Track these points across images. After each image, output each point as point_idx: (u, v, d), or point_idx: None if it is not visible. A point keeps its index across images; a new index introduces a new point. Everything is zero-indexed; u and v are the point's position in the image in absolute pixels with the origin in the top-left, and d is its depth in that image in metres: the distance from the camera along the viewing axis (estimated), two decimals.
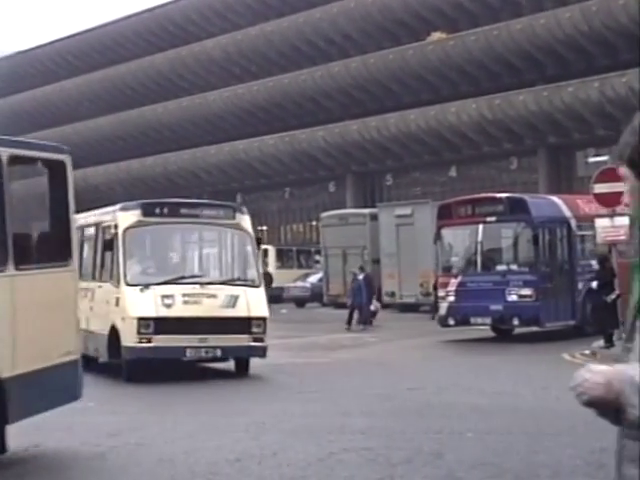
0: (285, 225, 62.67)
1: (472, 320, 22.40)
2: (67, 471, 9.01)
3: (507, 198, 23.03)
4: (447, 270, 23.67)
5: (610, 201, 19.90)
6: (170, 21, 67.83)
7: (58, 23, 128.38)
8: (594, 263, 21.84)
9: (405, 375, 16.47)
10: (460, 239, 24.05)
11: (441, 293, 23.30)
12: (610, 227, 20.10)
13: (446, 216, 23.61)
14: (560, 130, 46.59)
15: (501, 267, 22.72)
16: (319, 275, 40.19)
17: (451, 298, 22.73)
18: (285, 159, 57.18)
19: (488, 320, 22.48)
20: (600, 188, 20.17)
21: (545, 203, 23.62)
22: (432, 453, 9.31)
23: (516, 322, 21.89)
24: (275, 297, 35.92)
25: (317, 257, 43.81)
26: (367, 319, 28.34)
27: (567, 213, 23.05)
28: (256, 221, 67.70)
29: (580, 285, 22.56)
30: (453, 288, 22.74)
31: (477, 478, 8.27)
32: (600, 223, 20.30)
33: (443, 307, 22.98)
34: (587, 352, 18.90)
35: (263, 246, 51.66)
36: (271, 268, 48.84)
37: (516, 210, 22.33)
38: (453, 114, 49.02)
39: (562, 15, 46.04)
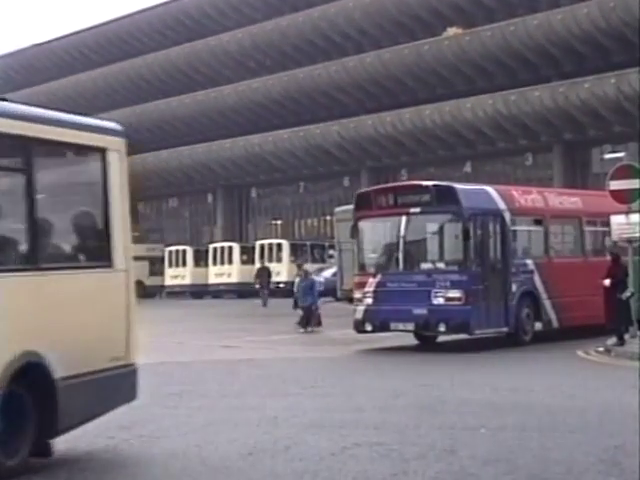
0: (299, 220, 62.67)
1: (392, 326, 20.05)
2: (79, 463, 9.01)
3: (434, 186, 20.42)
4: (365, 268, 20.96)
5: (626, 198, 19.81)
6: (186, 15, 67.87)
7: (74, 16, 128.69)
8: (530, 262, 20.87)
9: (418, 371, 16.43)
10: (380, 233, 21.30)
11: (357, 294, 20.72)
12: (625, 224, 20.00)
13: (365, 206, 21.00)
14: (576, 126, 46.43)
15: (426, 265, 20.07)
16: (333, 270, 40.16)
17: (369, 300, 20.23)
18: (299, 153, 57.16)
19: (411, 326, 19.97)
20: (616, 185, 20.07)
21: (477, 193, 21.00)
22: (445, 449, 9.28)
23: (442, 328, 19.48)
24: (288, 291, 35.95)
25: (331, 252, 43.76)
26: (318, 320, 26.55)
27: (501, 205, 20.58)
28: (270, 215, 67.84)
29: (514, 287, 20.26)
30: (371, 289, 20.20)
31: (490, 474, 8.24)
32: (615, 220, 20.21)
33: (359, 310, 20.49)
34: (601, 349, 18.83)
35: (276, 240, 52.06)
36: (284, 262, 48.94)
37: (444, 200, 19.76)
38: (468, 109, 48.91)
39: (579, 11, 45.87)
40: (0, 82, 78.66)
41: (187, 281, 53.39)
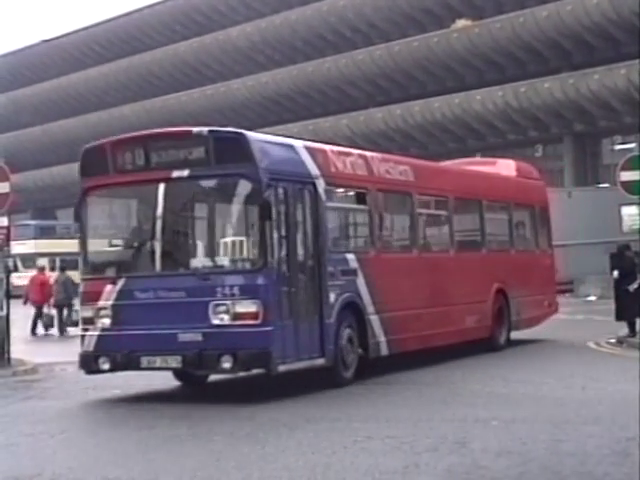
0: None
1: (145, 361, 12.70)
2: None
3: (211, 133, 13.00)
4: (98, 270, 13.49)
5: (637, 189, 19.73)
6: (195, 9, 67.85)
7: (83, 12, 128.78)
8: (352, 258, 14.22)
9: (428, 363, 16.42)
10: (123, 212, 14.63)
11: (87, 312, 13.22)
12: (637, 215, 19.95)
13: (97, 170, 13.42)
14: (586, 117, 46.32)
15: (200, 262, 12.96)
16: None
17: (105, 321, 12.95)
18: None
19: (176, 360, 12.58)
20: (626, 176, 20.01)
21: (280, 148, 13.46)
22: (457, 441, 9.28)
23: (228, 364, 12.28)
24: None
25: None
26: (73, 322, 24.05)
27: (313, 169, 13.65)
28: None
29: (332, 296, 13.38)
30: (109, 302, 12.94)
31: (502, 467, 8.23)
32: (626, 211, 20.20)
33: (90, 338, 13.09)
34: (613, 340, 18.78)
35: None
36: None
37: (228, 156, 12.66)
38: (478, 102, 48.81)
39: (589, 1, 45.70)
40: (10, 78, 78.81)
41: None
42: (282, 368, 12.55)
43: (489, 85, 48.92)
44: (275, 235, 12.64)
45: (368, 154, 15.53)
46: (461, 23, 51.66)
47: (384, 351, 14.82)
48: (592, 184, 45.54)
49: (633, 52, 43.21)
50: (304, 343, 12.88)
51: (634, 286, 18.98)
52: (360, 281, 14.28)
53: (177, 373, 13.91)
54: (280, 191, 12.87)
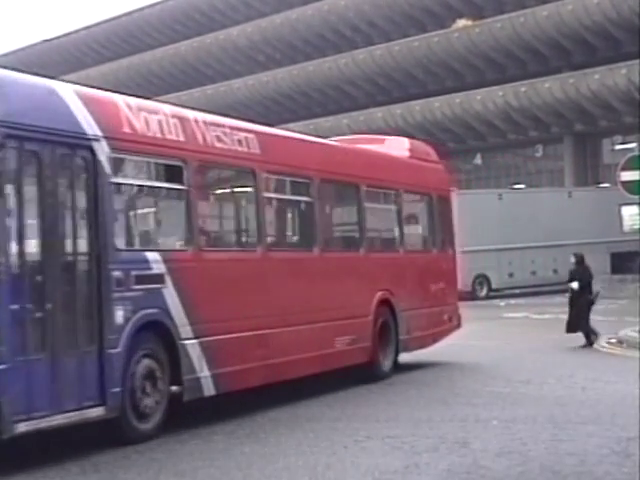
0: None
1: None
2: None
3: None
4: None
5: (637, 189, 19.76)
6: (195, 9, 67.87)
7: (84, 11, 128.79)
8: (157, 260, 10.06)
9: (430, 363, 16.42)
10: None
11: None
12: (637, 215, 19.98)
13: None
14: (586, 117, 46.32)
15: None
16: None
17: None
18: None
19: None
20: (627, 176, 20.03)
21: (26, 92, 9.08)
22: (457, 441, 9.28)
23: None
24: None
25: None
26: None
27: (90, 127, 9.53)
28: None
29: (120, 315, 9.51)
30: None
31: (502, 466, 8.23)
32: (627, 211, 20.19)
33: None
34: (614, 340, 18.78)
35: None
36: None
37: None
38: (478, 102, 48.82)
39: (589, 1, 45.71)
40: None
41: None
42: (23, 428, 8.34)
43: (489, 85, 48.93)
44: (11, 223, 8.51)
45: (189, 113, 11.28)
46: (462, 23, 51.69)
47: (209, 390, 10.67)
48: (592, 184, 45.54)
49: (633, 52, 43.19)
50: (68, 387, 8.82)
51: (595, 295, 18.78)
52: (169, 292, 10.08)
53: None
54: (25, 155, 8.74)
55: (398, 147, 16.45)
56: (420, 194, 16.52)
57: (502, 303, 32.17)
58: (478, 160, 52.13)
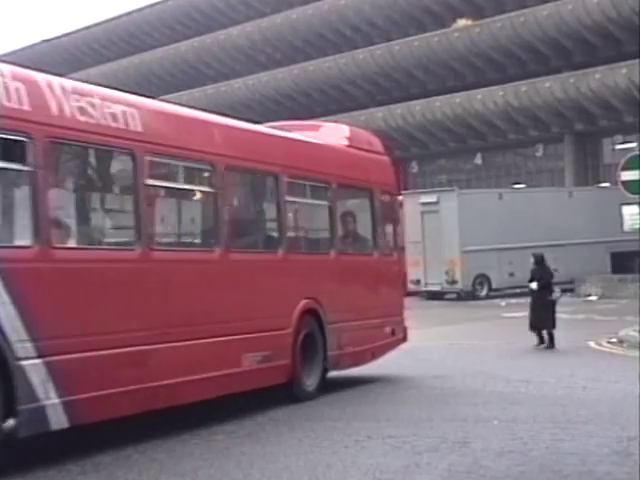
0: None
1: None
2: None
3: None
4: None
5: (637, 188, 19.75)
6: (195, 9, 67.87)
7: (84, 11, 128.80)
8: None
9: (431, 362, 16.43)
10: None
11: None
12: (637, 214, 19.97)
13: None
14: (587, 117, 46.31)
15: None
16: None
17: None
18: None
19: None
20: (627, 175, 20.03)
21: None
22: (458, 441, 9.28)
23: None
24: None
25: None
26: None
27: None
28: None
29: None
30: None
31: (503, 466, 8.23)
32: (628, 210, 20.19)
33: None
34: (614, 340, 18.77)
35: None
36: None
37: None
38: (479, 101, 48.82)
39: (590, 1, 45.69)
40: None
41: None
42: None
43: (490, 84, 48.91)
44: None
45: (39, 77, 8.94)
46: (462, 23, 51.69)
47: (58, 421, 8.55)
48: (592, 184, 45.55)
49: (634, 51, 43.19)
50: None
51: (556, 295, 18.72)
52: (1, 299, 8.01)
53: None
54: None
55: (335, 135, 14.39)
56: (358, 188, 14.43)
57: (503, 303, 32.17)
58: (478, 160, 52.13)
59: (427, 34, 52.51)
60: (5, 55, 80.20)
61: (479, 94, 48.90)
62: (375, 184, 14.59)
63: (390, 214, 15.26)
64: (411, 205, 35.10)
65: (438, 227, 33.94)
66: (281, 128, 13.70)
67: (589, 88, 44.73)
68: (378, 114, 53.35)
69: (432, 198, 35.26)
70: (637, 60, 41.81)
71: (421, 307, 31.35)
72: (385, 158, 15.37)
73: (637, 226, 20.08)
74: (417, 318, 26.81)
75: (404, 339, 15.08)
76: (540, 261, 19.00)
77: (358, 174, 14.21)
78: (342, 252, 13.46)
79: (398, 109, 52.48)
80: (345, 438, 9.59)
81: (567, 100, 45.68)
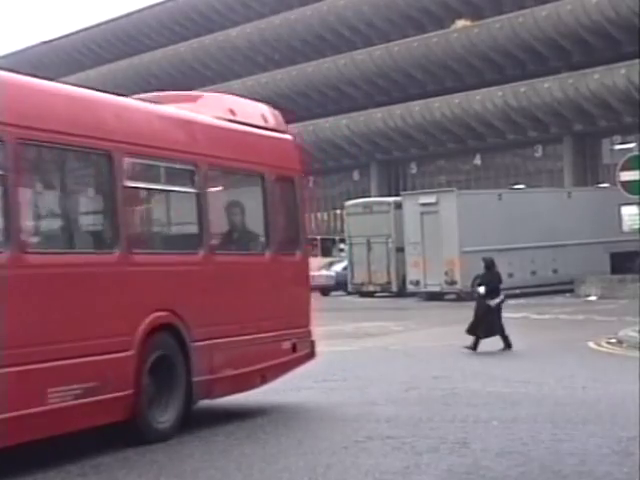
0: (309, 213, 62.68)
1: None
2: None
3: None
4: None
5: (637, 189, 19.75)
6: (194, 10, 67.89)
7: (82, 13, 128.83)
8: None
9: (430, 363, 16.43)
10: None
11: None
12: (637, 215, 19.98)
13: None
14: (586, 117, 46.33)
15: None
16: (344, 264, 40.24)
17: None
18: (309, 148, 57.13)
19: None
20: (626, 176, 20.03)
21: None
22: (458, 442, 9.28)
23: None
24: None
25: (341, 246, 43.85)
26: None
27: None
28: None
29: None
30: None
31: (503, 467, 8.23)
32: (627, 211, 20.19)
33: None
34: (613, 340, 18.77)
35: None
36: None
37: None
38: (478, 102, 48.84)
39: (588, 1, 45.73)
40: None
41: None
42: None
43: (489, 85, 48.94)
44: None
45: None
46: (461, 24, 51.73)
47: None
48: (592, 184, 45.56)
49: (633, 52, 43.23)
50: None
51: (496, 301, 18.61)
52: None
53: None
54: None
55: (215, 107, 11.46)
56: (243, 172, 11.55)
57: None
58: (477, 160, 52.15)
59: (426, 35, 52.54)
60: (4, 57, 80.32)
61: (478, 95, 48.92)
62: (268, 167, 11.63)
63: (291, 204, 12.37)
64: (410, 206, 35.12)
65: (437, 228, 33.94)
66: (153, 99, 11.19)
67: (588, 88, 44.75)
68: (377, 115, 53.39)
69: (431, 199, 35.26)
70: (636, 60, 41.84)
71: (420, 308, 31.38)
72: (286, 136, 12.38)
73: (636, 226, 20.06)
74: (417, 319, 26.88)
75: (311, 355, 12.16)
76: (490, 266, 18.95)
77: (242, 154, 11.21)
78: (216, 252, 10.62)
79: (397, 110, 52.51)
80: (345, 439, 9.58)
81: (566, 100, 45.70)
